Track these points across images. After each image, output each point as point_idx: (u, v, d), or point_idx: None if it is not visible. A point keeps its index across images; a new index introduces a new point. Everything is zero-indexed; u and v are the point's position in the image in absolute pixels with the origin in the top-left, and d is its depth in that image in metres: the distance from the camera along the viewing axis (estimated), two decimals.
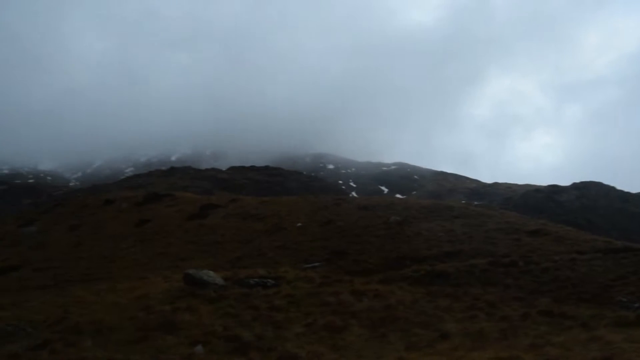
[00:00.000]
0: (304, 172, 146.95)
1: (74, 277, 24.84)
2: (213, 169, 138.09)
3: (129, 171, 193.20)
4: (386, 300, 14.29)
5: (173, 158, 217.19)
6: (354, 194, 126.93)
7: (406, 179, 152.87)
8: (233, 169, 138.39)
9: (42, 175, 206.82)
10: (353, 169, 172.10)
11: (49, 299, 18.49)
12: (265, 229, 29.95)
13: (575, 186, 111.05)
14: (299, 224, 29.54)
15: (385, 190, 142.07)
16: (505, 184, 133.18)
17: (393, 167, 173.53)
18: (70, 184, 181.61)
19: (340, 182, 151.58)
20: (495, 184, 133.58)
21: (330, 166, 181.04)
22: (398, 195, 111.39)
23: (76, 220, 42.31)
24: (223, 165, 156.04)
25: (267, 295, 15.02)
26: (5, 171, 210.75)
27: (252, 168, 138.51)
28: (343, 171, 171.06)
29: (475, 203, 68.07)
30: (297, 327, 12.65)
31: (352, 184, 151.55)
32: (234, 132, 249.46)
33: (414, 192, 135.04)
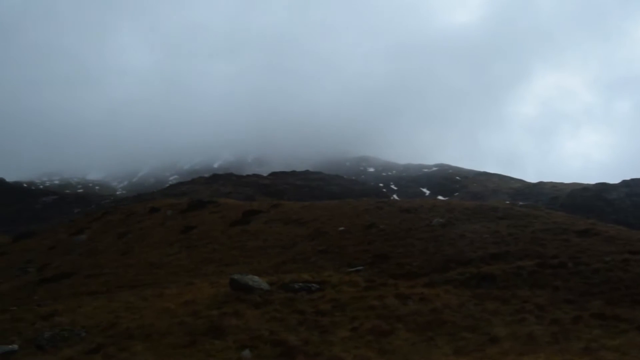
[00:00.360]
0: (345, 176, 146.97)
1: (124, 284, 25.52)
2: (255, 175, 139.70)
3: (173, 179, 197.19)
4: (432, 304, 14.12)
5: (215, 165, 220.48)
6: (395, 196, 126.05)
7: (448, 180, 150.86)
8: (274, 174, 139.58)
9: (90, 185, 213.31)
10: (394, 172, 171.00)
11: (100, 305, 19.03)
12: (307, 234, 30.02)
13: (626, 183, 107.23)
14: (341, 228, 29.50)
15: (427, 192, 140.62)
16: (551, 183, 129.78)
17: (434, 168, 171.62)
18: (117, 193, 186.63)
19: (381, 185, 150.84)
20: (540, 184, 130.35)
21: (371, 169, 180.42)
22: (440, 197, 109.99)
23: (124, 228, 43.47)
24: (265, 171, 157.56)
25: (312, 300, 15.06)
26: (56, 182, 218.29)
27: (293, 173, 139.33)
28: (384, 174, 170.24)
29: (520, 203, 66.58)
30: (343, 331, 12.63)
31: (393, 186, 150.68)
32: (276, 138, 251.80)
33: (456, 194, 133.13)
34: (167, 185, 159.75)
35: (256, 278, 16.75)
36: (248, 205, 45.00)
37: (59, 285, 28.37)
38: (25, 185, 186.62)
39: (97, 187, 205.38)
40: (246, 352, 11.61)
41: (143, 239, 37.63)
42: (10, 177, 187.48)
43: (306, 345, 11.72)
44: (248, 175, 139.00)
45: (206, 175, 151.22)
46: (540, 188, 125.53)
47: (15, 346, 14.88)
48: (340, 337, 12.25)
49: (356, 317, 13.52)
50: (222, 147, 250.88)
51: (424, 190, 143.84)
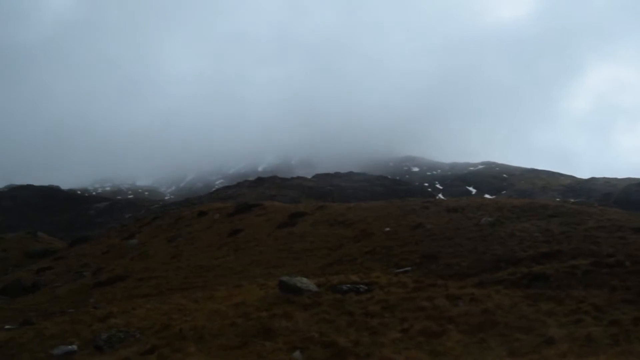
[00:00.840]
0: (389, 177, 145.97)
1: (175, 286, 26.09)
2: (299, 178, 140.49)
3: (219, 183, 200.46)
4: (483, 305, 13.81)
5: (260, 169, 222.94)
6: (440, 196, 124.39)
7: (495, 178, 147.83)
8: (318, 176, 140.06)
9: (140, 190, 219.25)
10: (439, 171, 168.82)
11: (153, 307, 19.50)
12: (353, 235, 29.94)
13: None
14: (387, 229, 29.28)
15: (473, 191, 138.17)
16: (604, 178, 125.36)
17: (480, 166, 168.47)
18: (166, 198, 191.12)
19: (426, 184, 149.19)
20: (592, 179, 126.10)
21: (415, 169, 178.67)
22: (487, 196, 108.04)
23: (173, 232, 44.47)
24: (309, 173, 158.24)
25: (361, 301, 14.98)
26: (108, 188, 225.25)
27: (337, 175, 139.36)
28: (429, 173, 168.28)
29: (572, 200, 64.58)
30: (393, 332, 12.51)
31: (438, 186, 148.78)
32: (320, 141, 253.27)
33: (504, 192, 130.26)
34: (214, 189, 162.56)
35: (304, 280, 16.80)
36: (293, 207, 45.28)
37: (113, 288, 29.27)
38: (79, 192, 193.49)
39: (146, 193, 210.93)
40: (297, 354, 11.66)
41: (192, 242, 38.37)
42: (65, 185, 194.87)
43: (356, 347, 11.68)
44: (292, 178, 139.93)
45: (251, 178, 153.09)
46: (592, 184, 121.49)
47: (75, 347, 15.45)
48: (391, 338, 12.14)
49: (406, 318, 13.37)
50: (267, 150, 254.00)
51: (470, 189, 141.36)
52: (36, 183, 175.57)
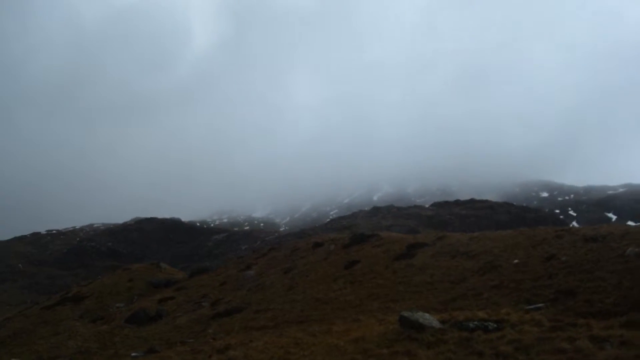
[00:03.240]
0: (514, 203, 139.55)
1: (291, 319, 26.46)
2: (416, 207, 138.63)
3: (334, 213, 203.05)
4: (636, 349, 12.50)
5: (375, 198, 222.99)
6: (574, 224, 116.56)
7: (639, 203, 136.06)
8: (437, 204, 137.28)
9: (255, 222, 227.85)
10: (572, 196, 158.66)
11: (270, 340, 19.87)
12: (477, 268, 28.72)
13: None
14: (516, 261, 27.78)
15: (613, 217, 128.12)
16: None
17: (621, 189, 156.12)
18: (281, 229, 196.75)
19: (557, 211, 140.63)
20: None
21: (544, 194, 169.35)
22: (630, 223, 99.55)
23: (289, 263, 45.37)
24: (426, 202, 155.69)
25: (490, 340, 14.18)
26: (225, 220, 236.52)
27: (457, 202, 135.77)
28: (560, 199, 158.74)
29: None
30: None
31: (571, 212, 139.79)
32: (436, 167, 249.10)
33: None
34: (328, 219, 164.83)
35: (427, 315, 16.27)
36: (411, 238, 44.48)
37: (230, 320, 30.34)
38: (198, 224, 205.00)
39: (261, 225, 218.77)
40: None
41: (307, 274, 38.88)
42: (185, 217, 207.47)
43: None
44: (409, 207, 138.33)
45: (366, 208, 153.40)
46: None
47: None
48: None
49: None
50: (382, 179, 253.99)
51: (610, 215, 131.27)
52: (159, 216, 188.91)
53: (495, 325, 15.45)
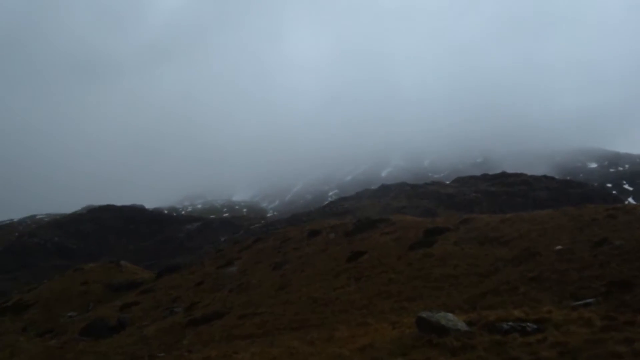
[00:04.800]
0: (556, 176, 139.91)
1: (284, 324, 26.63)
2: (434, 183, 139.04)
3: (333, 194, 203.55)
4: None
5: (384, 174, 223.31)
6: (630, 200, 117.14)
7: None
8: (460, 180, 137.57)
9: (237, 207, 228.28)
10: (626, 166, 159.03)
11: (259, 351, 19.99)
12: (511, 256, 28.89)
13: None
14: (558, 247, 27.92)
15: None
16: None
17: None
18: (268, 215, 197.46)
19: (609, 185, 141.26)
20: None
21: (592, 164, 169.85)
22: None
23: (279, 257, 45.58)
24: (446, 177, 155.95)
25: (529, 344, 14.27)
26: (199, 206, 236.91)
27: (485, 177, 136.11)
28: (612, 170, 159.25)
29: None
30: None
31: (626, 186, 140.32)
32: (456, 134, 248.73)
33: None
34: (327, 202, 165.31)
35: (450, 316, 16.36)
36: (429, 221, 44.66)
37: (209, 328, 30.51)
38: (166, 212, 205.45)
39: (244, 210, 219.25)
40: None
41: (302, 269, 39.05)
42: (150, 204, 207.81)
43: None
44: (426, 184, 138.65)
45: (373, 186, 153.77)
46: None
47: None
48: None
49: None
50: (393, 151, 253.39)
51: None
52: (117, 203, 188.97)
53: (534, 326, 15.55)
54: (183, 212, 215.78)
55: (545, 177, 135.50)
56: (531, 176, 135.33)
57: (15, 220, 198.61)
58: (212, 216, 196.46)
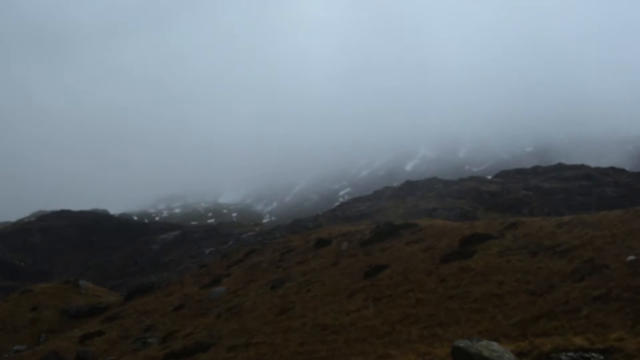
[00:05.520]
0: (627, 168, 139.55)
1: (285, 357, 26.68)
2: (472, 179, 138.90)
3: (345, 194, 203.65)
4: None
5: (408, 167, 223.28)
6: None
7: None
8: (504, 174, 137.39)
9: (225, 211, 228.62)
10: None
11: None
12: (571, 270, 28.87)
13: None
14: (631, 258, 27.88)
15: None
16: None
17: None
18: (264, 221, 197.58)
19: None
20: None
21: None
22: None
23: (278, 273, 45.60)
24: (487, 170, 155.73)
25: None
26: (177, 210, 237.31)
27: (536, 170, 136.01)
28: None
29: None
30: None
31: None
32: (500, 119, 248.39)
33: None
34: (337, 203, 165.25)
35: (494, 345, 16.38)
36: (467, 227, 44.61)
37: None
38: (136, 218, 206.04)
39: (234, 215, 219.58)
40: None
41: (308, 288, 39.09)
42: (116, 209, 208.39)
43: None
44: (462, 180, 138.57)
45: (395, 183, 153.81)
46: None
47: None
48: None
49: None
50: (418, 138, 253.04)
51: None
52: (75, 207, 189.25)
53: (601, 358, 15.56)
54: (157, 219, 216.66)
55: (613, 169, 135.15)
56: (595, 168, 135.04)
57: None
58: (193, 223, 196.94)
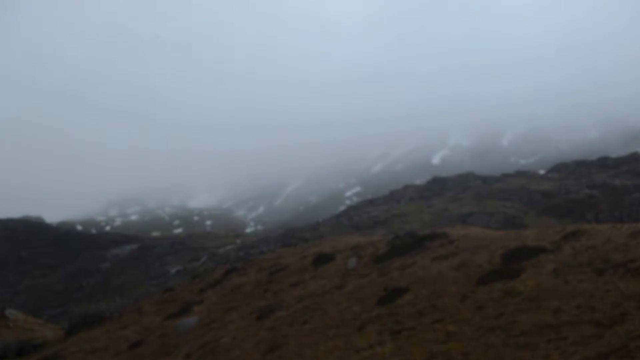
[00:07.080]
0: None
1: None
2: (520, 174, 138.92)
3: (353, 194, 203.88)
4: None
5: (435, 160, 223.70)
6: None
7: None
8: (561, 167, 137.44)
9: (196, 219, 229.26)
10: None
11: None
12: None
13: None
14: None
15: None
16: None
17: None
18: (248, 231, 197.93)
19: None
20: None
21: None
22: None
23: (267, 298, 45.62)
24: (539, 163, 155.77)
25: None
26: (134, 218, 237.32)
27: (604, 162, 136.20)
28: None
29: None
30: None
31: None
32: (556, 97, 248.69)
33: None
34: (343, 208, 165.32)
35: None
36: (512, 237, 44.61)
37: None
38: (79, 228, 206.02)
39: (208, 222, 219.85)
40: None
41: (305, 319, 39.08)
42: (53, 216, 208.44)
43: None
44: (506, 176, 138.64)
45: (418, 181, 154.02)
46: None
47: None
48: None
49: None
50: (448, 124, 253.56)
51: None
52: (0, 215, 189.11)
53: None
54: (108, 228, 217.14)
55: None
56: None
57: None
58: (155, 234, 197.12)
